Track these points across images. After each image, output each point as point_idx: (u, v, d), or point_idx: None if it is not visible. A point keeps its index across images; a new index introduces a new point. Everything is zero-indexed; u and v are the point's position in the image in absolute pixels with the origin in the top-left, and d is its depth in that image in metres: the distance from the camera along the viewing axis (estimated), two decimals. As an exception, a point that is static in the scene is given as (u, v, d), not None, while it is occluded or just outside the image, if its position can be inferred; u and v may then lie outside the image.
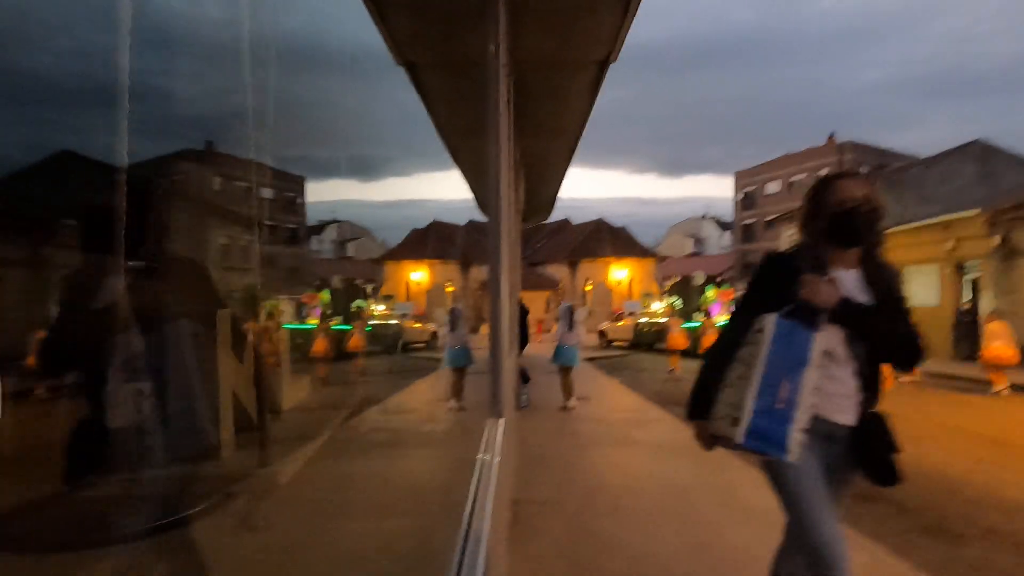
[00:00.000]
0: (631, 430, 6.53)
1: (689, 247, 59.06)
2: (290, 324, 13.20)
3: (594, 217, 39.18)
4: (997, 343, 9.69)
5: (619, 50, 4.50)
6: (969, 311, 14.83)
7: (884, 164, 34.84)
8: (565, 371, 7.96)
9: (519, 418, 7.12)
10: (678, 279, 32.10)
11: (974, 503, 4.34)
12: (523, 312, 8.95)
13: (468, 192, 9.24)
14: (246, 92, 2.08)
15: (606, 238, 34.87)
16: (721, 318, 18.83)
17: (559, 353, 8.00)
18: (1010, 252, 13.64)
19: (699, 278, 26.55)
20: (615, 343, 22.40)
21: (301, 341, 11.45)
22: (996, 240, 13.97)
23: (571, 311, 8.25)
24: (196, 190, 9.64)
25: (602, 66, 4.90)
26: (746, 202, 42.44)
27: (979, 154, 24.08)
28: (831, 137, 36.93)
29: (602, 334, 23.37)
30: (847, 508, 4.52)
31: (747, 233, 42.00)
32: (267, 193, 18.85)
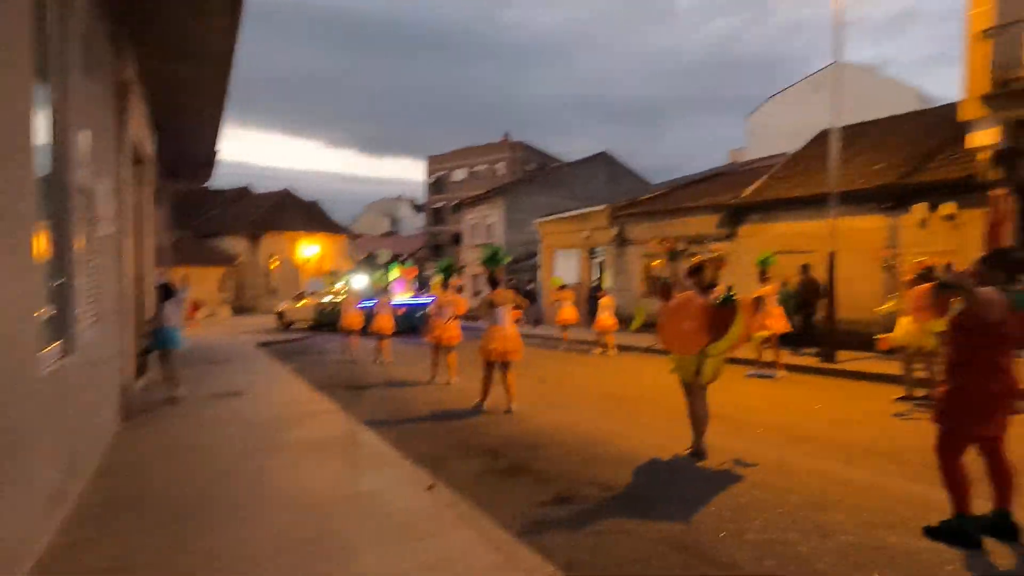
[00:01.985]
0: (284, 431, 5.51)
1: (385, 226, 59.52)
2: None
3: (283, 187, 35.51)
4: (605, 314, 12.02)
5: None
6: (597, 287, 18.35)
7: (544, 164, 41.13)
8: (164, 356, 6.95)
9: (133, 428, 5.34)
10: (363, 257, 31.73)
11: (601, 461, 4.81)
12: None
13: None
14: None
15: (295, 211, 31.88)
16: (404, 296, 19.03)
17: (158, 336, 6.96)
18: (623, 241, 17.31)
19: (383, 256, 26.56)
20: (295, 325, 20.57)
21: None
22: (614, 231, 17.55)
23: (168, 288, 7.01)
24: None
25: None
26: (436, 186, 44.74)
27: (606, 163, 30.32)
28: (505, 136, 41.67)
29: (280, 316, 21.09)
30: (490, 486, 4.61)
31: (437, 216, 44.38)
32: None
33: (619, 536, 3.30)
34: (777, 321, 8.69)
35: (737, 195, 13.91)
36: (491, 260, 6.97)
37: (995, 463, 3.23)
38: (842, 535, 3.28)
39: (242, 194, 37.35)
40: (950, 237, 9.56)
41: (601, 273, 18.87)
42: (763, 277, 8.83)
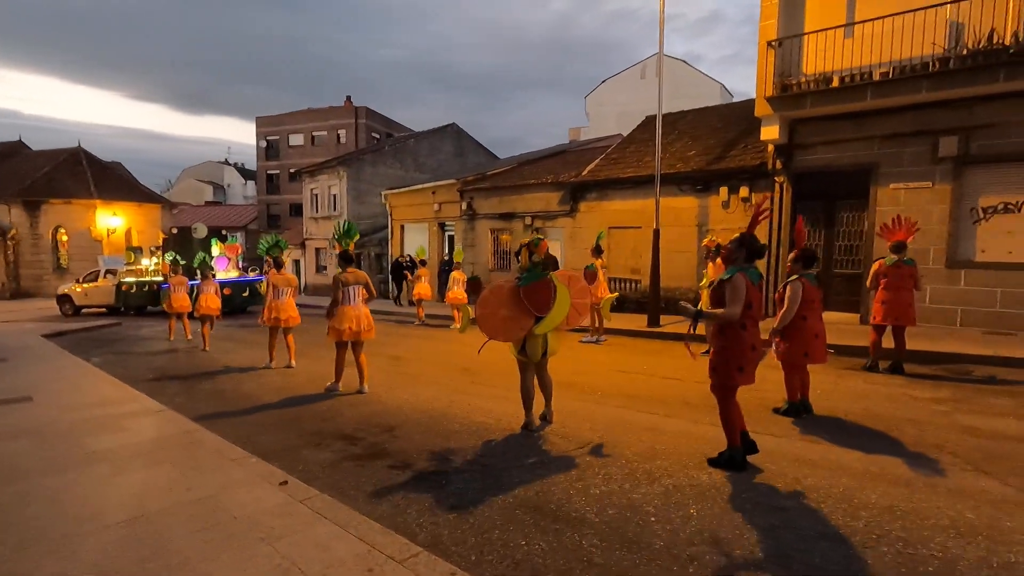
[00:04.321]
0: (96, 438, 4.77)
1: (208, 194, 53.01)
2: None
3: (71, 144, 29.62)
4: (456, 288, 12.22)
5: None
6: (448, 261, 18.46)
7: (391, 132, 39.69)
8: None
9: None
10: (176, 231, 28.12)
11: (459, 435, 4.95)
12: None
13: None
14: None
15: (89, 174, 26.83)
16: (229, 273, 17.35)
17: None
18: (472, 215, 17.55)
19: (200, 230, 23.77)
20: (87, 310, 17.61)
21: None
22: (464, 205, 17.69)
23: None
24: None
25: None
26: (270, 151, 40.84)
27: (454, 135, 30.21)
28: (348, 100, 39.28)
29: (63, 300, 17.51)
30: (347, 473, 4.51)
31: (271, 184, 40.66)
32: None
33: (478, 507, 3.46)
34: (602, 289, 9.52)
35: (577, 173, 14.85)
36: (343, 236, 6.65)
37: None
38: (666, 479, 3.82)
39: (13, 150, 30.46)
40: (747, 216, 11.30)
41: (452, 247, 18.97)
42: (597, 251, 9.63)
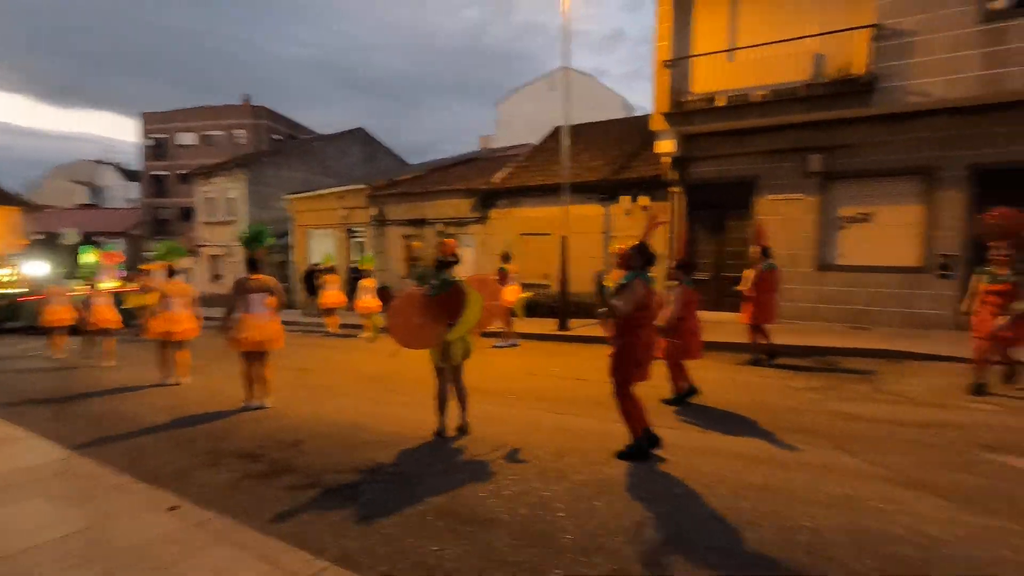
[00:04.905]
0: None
1: (82, 196, 47.74)
2: None
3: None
4: (367, 296, 11.91)
5: None
6: (356, 269, 17.92)
7: (292, 135, 37.93)
8: None
9: None
10: (41, 236, 25.21)
11: (367, 446, 4.82)
12: None
13: None
14: None
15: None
16: (109, 283, 15.81)
17: None
18: (383, 221, 17.18)
19: (71, 236, 21.43)
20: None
21: None
22: (374, 211, 17.29)
23: None
24: None
25: None
26: (157, 151, 37.55)
27: (363, 139, 29.45)
28: (246, 99, 37.06)
29: None
30: (249, 492, 4.26)
31: (159, 186, 37.39)
32: None
33: (389, 517, 3.41)
34: (513, 294, 9.70)
35: (488, 181, 15.03)
36: (252, 240, 6.21)
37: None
38: (575, 475, 3.97)
39: None
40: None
41: (361, 254, 18.45)
42: (506, 257, 9.85)
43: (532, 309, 13.10)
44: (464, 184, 15.43)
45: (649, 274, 4.23)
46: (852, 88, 9.19)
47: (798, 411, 5.50)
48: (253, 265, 6.16)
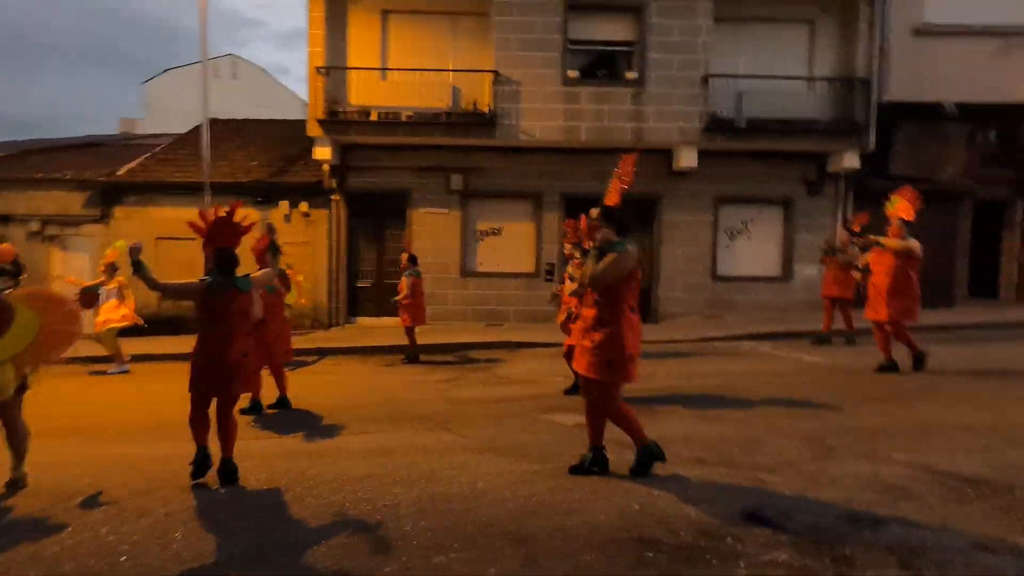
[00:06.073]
0: None
1: None
2: None
3: None
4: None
5: None
6: None
7: None
8: None
9: None
10: None
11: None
12: None
13: None
14: None
15: None
16: None
17: None
18: None
19: None
20: None
21: None
22: None
23: None
24: None
25: None
26: None
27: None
28: None
29: None
30: None
31: None
32: None
33: None
34: (118, 312, 8.21)
35: (112, 172, 12.39)
36: None
37: None
38: (160, 509, 3.51)
39: None
40: (307, 231, 11.72)
41: None
42: (111, 268, 8.18)
43: (176, 325, 11.31)
44: (75, 173, 12.34)
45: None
46: (480, 120, 10.81)
47: (420, 402, 6.10)
48: None
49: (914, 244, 6.24)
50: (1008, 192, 12.41)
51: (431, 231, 11.65)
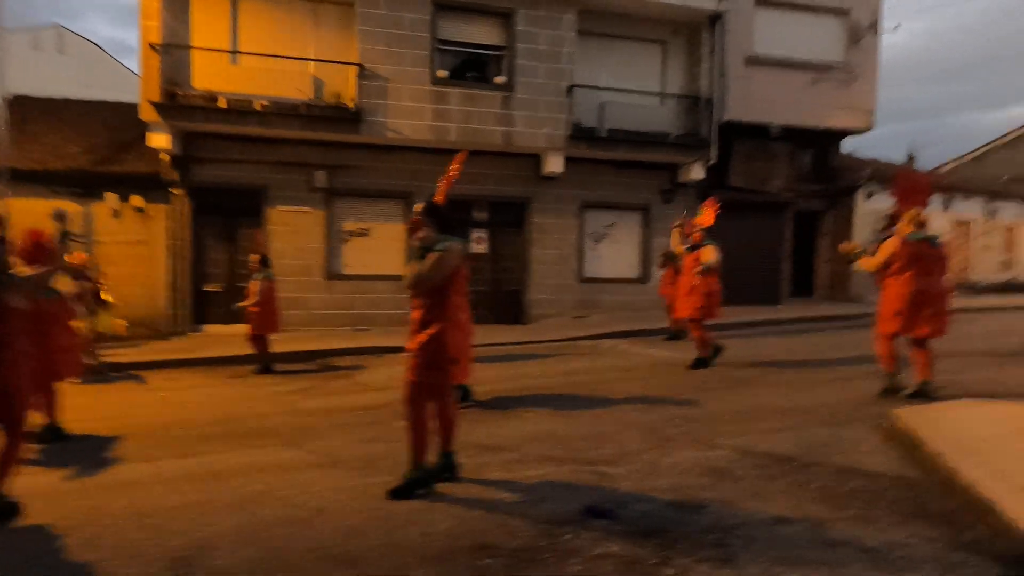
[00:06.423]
0: None
1: None
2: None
3: None
4: None
5: None
6: None
7: None
8: None
9: None
10: None
11: None
12: None
13: None
14: None
15: None
16: None
17: None
18: None
19: None
20: None
21: None
22: None
23: None
24: None
25: None
26: None
27: None
28: None
29: None
30: None
31: None
32: None
33: None
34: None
35: None
36: None
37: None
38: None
39: None
40: (141, 228, 10.34)
41: None
42: None
43: None
44: None
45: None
46: (344, 115, 10.27)
47: (265, 416, 5.57)
48: None
49: (707, 250, 6.97)
50: (821, 204, 14.41)
51: (292, 231, 10.85)
